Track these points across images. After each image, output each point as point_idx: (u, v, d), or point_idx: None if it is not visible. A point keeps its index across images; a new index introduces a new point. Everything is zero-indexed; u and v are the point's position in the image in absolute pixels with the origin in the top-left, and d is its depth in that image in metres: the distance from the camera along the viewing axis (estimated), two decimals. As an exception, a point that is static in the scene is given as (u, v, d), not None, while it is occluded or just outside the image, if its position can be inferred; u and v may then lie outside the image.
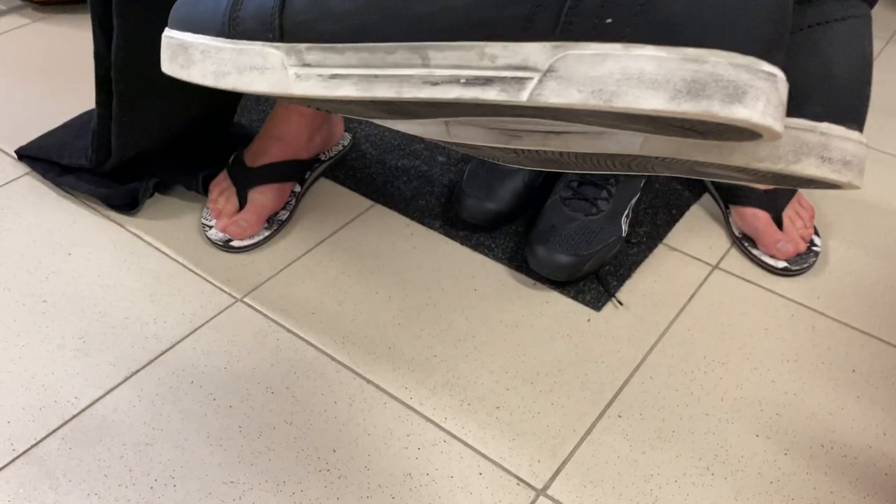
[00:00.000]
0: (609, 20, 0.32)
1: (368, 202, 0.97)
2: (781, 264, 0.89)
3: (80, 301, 0.82)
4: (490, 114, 0.39)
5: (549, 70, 0.33)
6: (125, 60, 0.82)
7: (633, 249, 0.91)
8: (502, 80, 0.33)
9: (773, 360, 0.79)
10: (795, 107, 0.40)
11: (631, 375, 0.77)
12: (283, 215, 0.92)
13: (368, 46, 0.35)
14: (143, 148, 0.91)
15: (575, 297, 0.85)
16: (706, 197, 1.00)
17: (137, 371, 0.75)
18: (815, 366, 0.79)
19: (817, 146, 0.39)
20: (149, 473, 0.67)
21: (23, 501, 0.64)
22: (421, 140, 1.07)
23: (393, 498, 0.66)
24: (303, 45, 0.37)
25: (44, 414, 0.71)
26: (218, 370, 0.76)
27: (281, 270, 0.87)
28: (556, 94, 0.32)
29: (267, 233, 0.90)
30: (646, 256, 0.91)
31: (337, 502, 0.65)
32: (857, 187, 0.41)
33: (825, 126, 0.40)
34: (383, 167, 1.02)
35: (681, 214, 0.97)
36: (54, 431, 0.70)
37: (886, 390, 0.77)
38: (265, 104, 1.12)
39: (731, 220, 0.94)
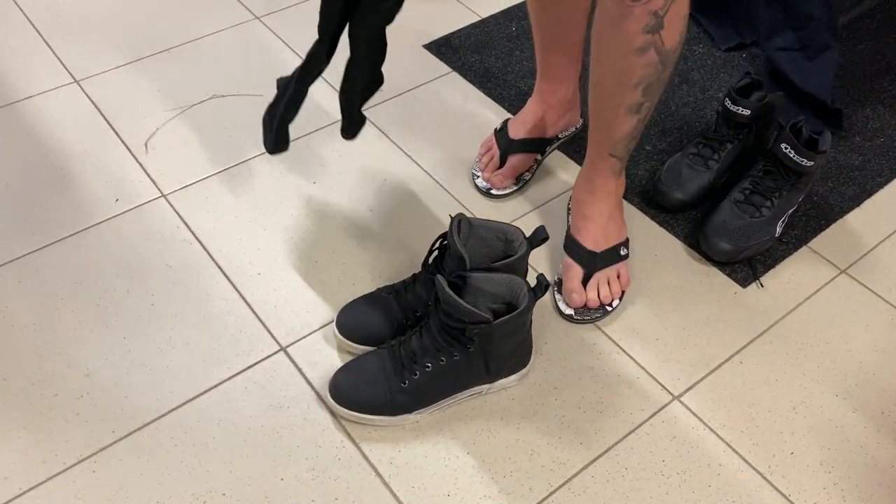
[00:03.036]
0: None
1: (589, 174, 1.32)
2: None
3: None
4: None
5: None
6: None
7: (782, 246, 1.21)
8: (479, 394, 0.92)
9: (866, 348, 1.09)
10: None
11: (757, 336, 1.10)
12: (527, 176, 1.29)
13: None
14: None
15: (729, 275, 1.18)
16: (854, 213, 1.27)
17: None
18: (890, 352, 1.08)
19: None
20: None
21: (362, 333, 1.08)
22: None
23: (582, 384, 1.04)
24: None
25: (377, 282, 1.14)
26: (478, 277, 1.16)
27: (520, 217, 1.25)
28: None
29: (515, 187, 1.27)
30: (791, 253, 1.21)
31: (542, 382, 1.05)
32: None
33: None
34: (603, 148, 1.36)
35: (828, 225, 1.25)
36: (379, 296, 1.13)
37: (946, 386, 1.05)
38: (531, 79, 1.47)
39: (866, 237, 1.21)
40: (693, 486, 0.95)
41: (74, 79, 1.45)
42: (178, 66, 1.49)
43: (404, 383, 0.97)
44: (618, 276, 1.13)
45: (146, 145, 1.33)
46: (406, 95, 1.44)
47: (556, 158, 1.34)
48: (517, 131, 1.28)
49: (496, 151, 1.28)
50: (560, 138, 1.33)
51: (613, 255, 1.13)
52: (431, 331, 0.97)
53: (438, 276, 0.93)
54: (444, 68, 1.50)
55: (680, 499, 0.94)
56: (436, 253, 1.03)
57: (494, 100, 1.44)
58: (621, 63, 0.93)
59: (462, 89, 1.46)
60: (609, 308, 1.11)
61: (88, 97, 1.41)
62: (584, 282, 1.11)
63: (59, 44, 1.51)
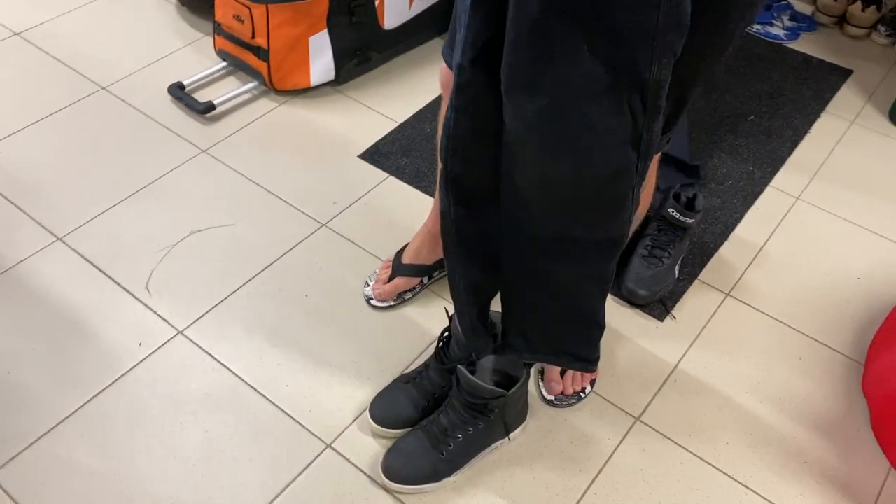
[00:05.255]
0: None
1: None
2: (766, 295, 1.55)
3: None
4: None
5: None
6: None
7: (681, 283, 1.58)
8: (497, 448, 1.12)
9: (757, 350, 1.47)
10: None
11: (681, 357, 1.45)
12: (408, 295, 1.50)
13: None
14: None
15: (649, 314, 1.52)
16: (725, 246, 1.66)
17: (422, 353, 1.43)
18: (775, 352, 1.47)
19: None
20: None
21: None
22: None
23: (567, 422, 1.34)
24: None
25: (387, 371, 1.39)
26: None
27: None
28: None
29: (393, 302, 1.49)
30: (688, 287, 1.58)
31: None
32: None
33: None
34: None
35: (709, 259, 1.63)
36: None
37: (805, 366, 1.45)
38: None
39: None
40: (668, 482, 1.28)
41: (56, 236, 1.59)
42: (147, 208, 1.66)
43: (442, 454, 1.23)
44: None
45: (147, 288, 1.50)
46: (358, 204, 1.69)
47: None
48: (406, 255, 1.49)
49: (390, 269, 1.50)
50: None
51: None
52: (456, 408, 1.24)
53: (460, 368, 1.20)
54: (382, 174, 1.77)
55: (662, 494, 1.26)
56: (440, 344, 1.30)
57: (431, 196, 1.72)
58: None
59: (403, 191, 1.73)
60: (582, 395, 1.38)
61: (76, 251, 1.56)
62: (563, 373, 1.37)
63: (30, 206, 1.64)
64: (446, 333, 1.29)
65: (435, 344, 1.32)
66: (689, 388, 1.41)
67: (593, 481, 1.27)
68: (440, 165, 1.35)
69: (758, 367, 1.45)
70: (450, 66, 1.16)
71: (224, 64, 1.99)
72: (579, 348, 1.20)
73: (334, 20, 1.87)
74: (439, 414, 1.26)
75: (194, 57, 2.05)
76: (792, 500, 1.27)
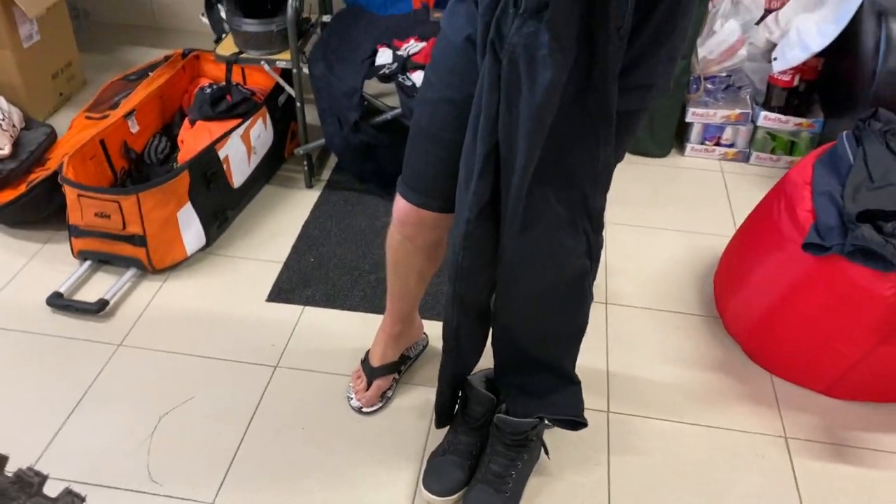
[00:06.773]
0: None
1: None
2: (632, 294, 2.02)
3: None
4: None
5: None
6: None
7: (573, 307, 1.97)
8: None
9: (643, 336, 1.90)
10: None
11: (608, 361, 1.83)
12: (389, 393, 1.72)
13: None
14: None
15: (567, 336, 1.89)
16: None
17: (428, 432, 1.63)
18: (660, 330, 1.92)
19: None
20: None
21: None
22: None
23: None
24: None
25: (409, 462, 1.56)
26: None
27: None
28: None
29: (381, 404, 1.70)
30: (579, 309, 1.97)
31: (547, 443, 1.62)
32: None
33: None
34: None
35: (579, 284, 2.06)
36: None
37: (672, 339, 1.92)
38: (359, 279, 1.97)
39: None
40: (659, 447, 1.63)
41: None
42: (98, 414, 1.64)
43: (507, 493, 1.46)
44: None
45: (154, 480, 1.50)
46: (295, 338, 1.84)
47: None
48: (374, 360, 1.69)
49: (364, 378, 1.70)
50: (412, 357, 1.76)
51: None
52: (501, 452, 1.47)
53: (501, 416, 1.44)
54: (297, 307, 1.93)
55: (661, 457, 1.61)
56: (461, 409, 1.53)
57: (350, 310, 1.92)
58: None
59: (325, 315, 1.91)
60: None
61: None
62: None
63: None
64: (464, 399, 1.53)
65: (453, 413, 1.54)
66: (627, 376, 1.79)
67: (609, 468, 1.58)
68: (393, 280, 1.59)
69: (660, 344, 1.88)
70: (406, 199, 1.40)
71: (88, 263, 2.00)
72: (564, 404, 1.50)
73: (195, 191, 2.00)
74: (488, 463, 1.48)
75: (48, 266, 2.02)
76: (738, 418, 1.70)
